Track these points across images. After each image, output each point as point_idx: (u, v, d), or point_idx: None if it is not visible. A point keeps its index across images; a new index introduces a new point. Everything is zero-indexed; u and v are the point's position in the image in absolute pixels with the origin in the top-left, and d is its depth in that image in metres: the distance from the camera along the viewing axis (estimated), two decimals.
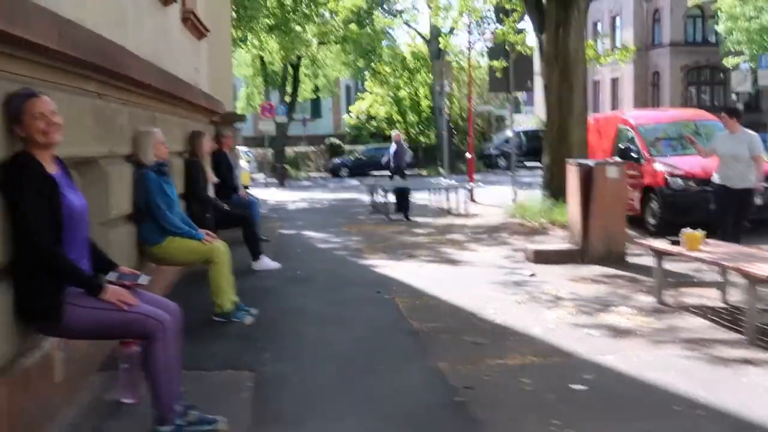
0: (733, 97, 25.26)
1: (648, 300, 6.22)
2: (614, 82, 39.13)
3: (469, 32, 21.08)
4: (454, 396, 4.04)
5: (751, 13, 23.73)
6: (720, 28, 27.48)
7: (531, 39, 13.94)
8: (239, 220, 8.22)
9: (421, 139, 40.27)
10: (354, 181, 31.10)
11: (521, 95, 47.75)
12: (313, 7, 28.14)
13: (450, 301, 6.40)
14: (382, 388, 4.20)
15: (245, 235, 8.12)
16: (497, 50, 14.36)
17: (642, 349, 4.85)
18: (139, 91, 5.84)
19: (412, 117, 41.01)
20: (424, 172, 34.81)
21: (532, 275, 7.51)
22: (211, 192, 8.15)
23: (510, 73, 14.03)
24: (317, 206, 17.89)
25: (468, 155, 18.56)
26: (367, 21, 35.16)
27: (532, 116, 41.09)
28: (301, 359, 4.76)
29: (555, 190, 11.11)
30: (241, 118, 14.18)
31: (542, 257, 8.19)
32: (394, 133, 19.82)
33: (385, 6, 34.18)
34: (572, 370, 4.45)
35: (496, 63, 13.55)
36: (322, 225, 12.80)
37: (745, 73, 22.25)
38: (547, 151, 11.56)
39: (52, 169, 3.34)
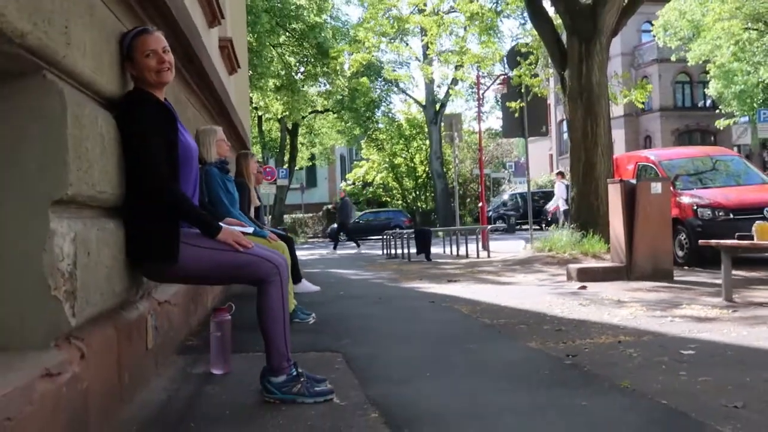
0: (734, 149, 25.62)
1: (716, 300, 6.08)
2: None
3: (479, 94, 21.24)
4: (561, 361, 3.87)
5: (747, 68, 24.21)
6: (711, 91, 28.00)
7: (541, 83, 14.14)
8: (281, 239, 8.07)
9: (418, 204, 40.42)
10: (353, 244, 30.99)
11: (510, 163, 48.43)
12: (319, 67, 28.55)
13: (510, 306, 6.23)
14: (481, 358, 4.01)
15: None
16: (511, 95, 14.50)
17: (735, 328, 4.70)
18: (199, 94, 5.80)
19: (408, 182, 41.25)
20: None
21: (583, 287, 7.37)
22: (252, 214, 8.02)
23: (525, 118, 14.14)
24: (330, 259, 17.72)
25: (479, 204, 18.50)
26: (373, 82, 35.59)
27: (524, 181, 41.47)
28: (381, 344, 4.58)
29: (583, 222, 11.06)
30: (261, 165, 14.17)
31: (587, 275, 8.06)
32: (339, 190, 19.88)
33: (382, 75, 34.68)
34: (672, 342, 4.29)
35: (513, 104, 13.64)
36: (345, 267, 12.66)
37: (745, 126, 22.64)
38: (574, 187, 11.54)
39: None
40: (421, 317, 5.69)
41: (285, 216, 37.82)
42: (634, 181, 8.45)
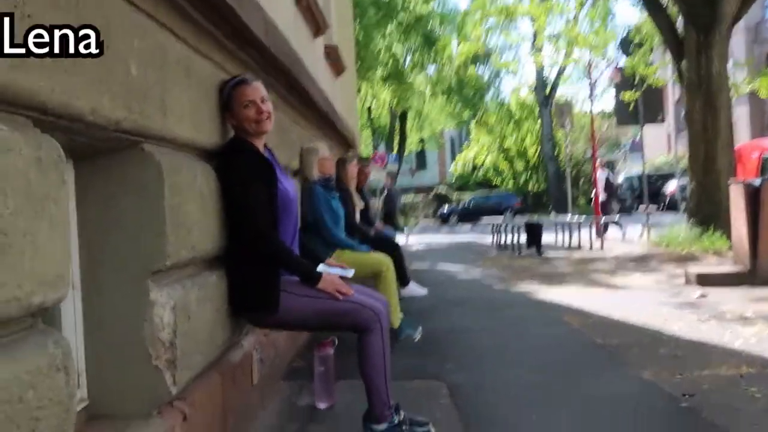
0: None
1: None
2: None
3: (590, 75, 20.57)
4: (677, 402, 3.67)
5: None
6: None
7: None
8: (387, 245, 8.07)
9: (530, 186, 39.77)
10: (465, 227, 30.82)
11: (626, 142, 46.67)
12: (426, 56, 28.47)
13: (624, 320, 5.99)
14: (590, 394, 3.86)
15: (393, 260, 7.95)
16: (624, 85, 13.95)
17: None
18: (304, 111, 5.83)
19: (518, 164, 40.62)
20: (534, 217, 34.29)
21: (703, 296, 7.01)
22: (357, 218, 8.05)
23: (640, 106, 13.57)
24: (440, 247, 17.66)
25: (594, 191, 17.97)
26: (480, 68, 35.21)
27: (640, 161, 39.89)
28: (489, 369, 4.49)
29: (703, 217, 10.55)
30: (367, 160, 14.22)
31: (707, 280, 7.66)
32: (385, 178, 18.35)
33: (490, 61, 34.21)
34: None
35: (627, 95, 13.11)
36: (454, 260, 12.56)
37: None
38: (693, 180, 11.00)
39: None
40: (529, 333, 5.55)
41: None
42: (758, 182, 7.94)
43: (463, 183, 43.93)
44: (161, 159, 2.43)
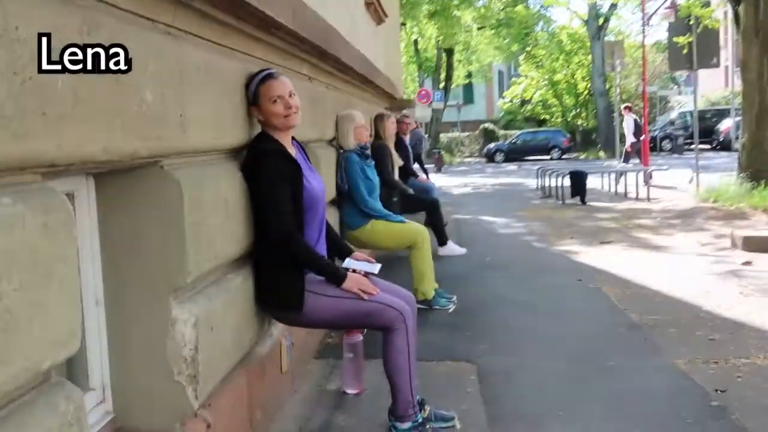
0: None
1: None
2: None
3: (643, 9, 19.86)
4: (707, 399, 3.61)
5: None
6: None
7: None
8: (425, 204, 8.05)
9: (578, 122, 38.98)
10: (511, 166, 30.52)
11: (680, 75, 45.18)
12: None
13: (663, 291, 5.90)
14: (621, 387, 3.82)
15: (431, 220, 7.94)
16: (678, 26, 13.43)
17: None
18: (340, 75, 5.75)
19: (568, 100, 39.78)
20: (582, 156, 33.71)
21: (748, 263, 6.85)
22: (396, 176, 8.01)
23: (693, 50, 13.08)
24: (483, 191, 17.56)
25: (642, 137, 17.56)
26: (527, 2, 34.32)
27: (698, 97, 38.60)
28: (520, 352, 4.46)
29: (755, 172, 10.23)
30: (410, 103, 14.07)
31: (754, 244, 7.47)
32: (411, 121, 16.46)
33: None
34: None
35: (681, 39, 12.62)
36: (496, 210, 12.46)
37: None
38: (746, 132, 10.64)
39: (291, 151, 3.22)
40: (567, 308, 5.47)
41: (441, 135, 37.73)
42: None
43: (511, 119, 43.28)
44: (181, 176, 2.40)
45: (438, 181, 20.64)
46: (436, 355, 4.40)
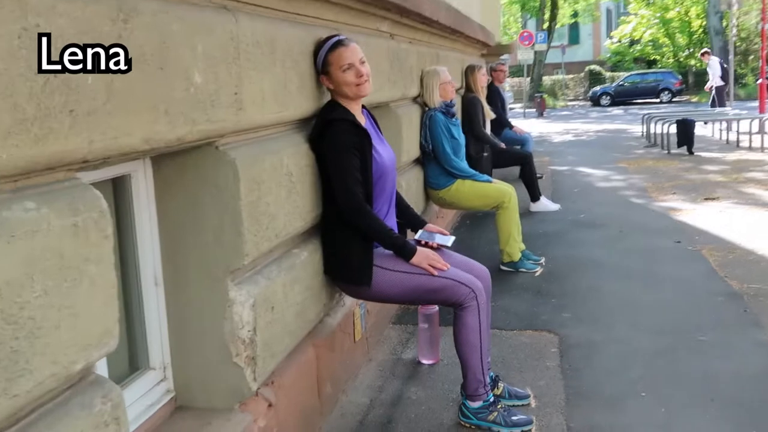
0: None
1: None
2: None
3: None
4: None
5: None
6: None
7: None
8: (517, 159, 7.81)
9: (691, 62, 37.05)
10: (617, 110, 29.41)
11: None
12: None
13: None
14: (712, 367, 3.58)
15: (523, 174, 7.72)
16: None
17: None
18: (425, 29, 5.56)
19: (681, 39, 37.81)
20: (694, 99, 32.11)
21: None
22: (488, 129, 7.78)
23: None
24: (584, 138, 16.97)
25: (759, 81, 16.52)
26: None
27: None
28: (606, 322, 4.27)
29: None
30: (507, 49, 13.61)
31: None
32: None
33: None
34: None
35: None
36: (595, 160, 12.00)
37: None
38: None
39: (361, 120, 3.11)
40: (661, 274, 5.18)
41: (544, 78, 36.68)
42: None
43: (619, 61, 41.56)
44: (237, 156, 2.34)
45: (538, 127, 20.22)
46: (517, 324, 4.27)
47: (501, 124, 9.80)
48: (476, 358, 3.06)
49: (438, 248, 3.23)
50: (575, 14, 40.18)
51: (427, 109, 5.37)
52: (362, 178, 2.97)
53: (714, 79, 16.62)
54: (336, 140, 2.93)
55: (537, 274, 5.31)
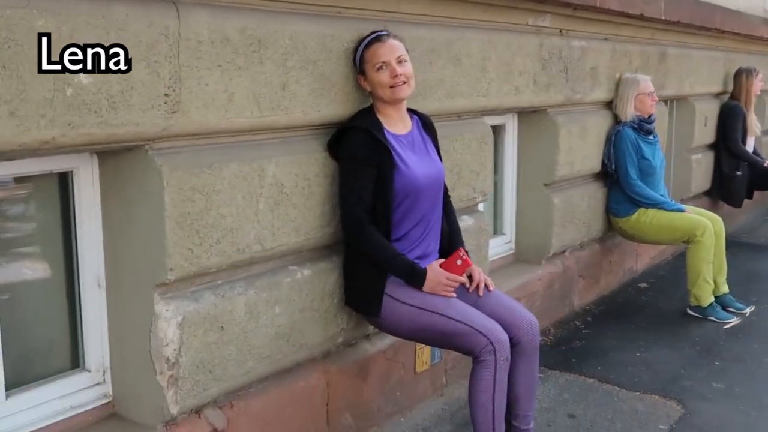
0: None
1: None
2: None
3: None
4: None
5: None
6: None
7: None
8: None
9: None
10: None
11: None
12: None
13: None
14: None
15: None
16: None
17: None
18: (630, 23, 4.82)
19: None
20: None
21: None
22: (750, 145, 6.58)
23: None
24: None
25: None
26: None
27: None
28: (764, 405, 3.36)
29: None
30: None
31: None
32: None
33: None
34: None
35: None
36: None
37: None
38: None
39: (399, 129, 2.74)
40: None
41: None
42: None
43: None
44: (165, 162, 2.17)
45: None
46: (646, 385, 3.55)
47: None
48: (485, 422, 2.56)
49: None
50: None
51: (617, 122, 4.67)
52: (378, 197, 2.62)
53: None
54: (345, 151, 2.63)
55: (729, 326, 4.37)
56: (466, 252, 2.73)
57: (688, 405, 3.34)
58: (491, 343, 2.51)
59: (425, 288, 2.60)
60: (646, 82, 4.65)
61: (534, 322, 2.72)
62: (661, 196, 4.60)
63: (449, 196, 3.00)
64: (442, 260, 2.70)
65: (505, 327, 2.60)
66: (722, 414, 3.26)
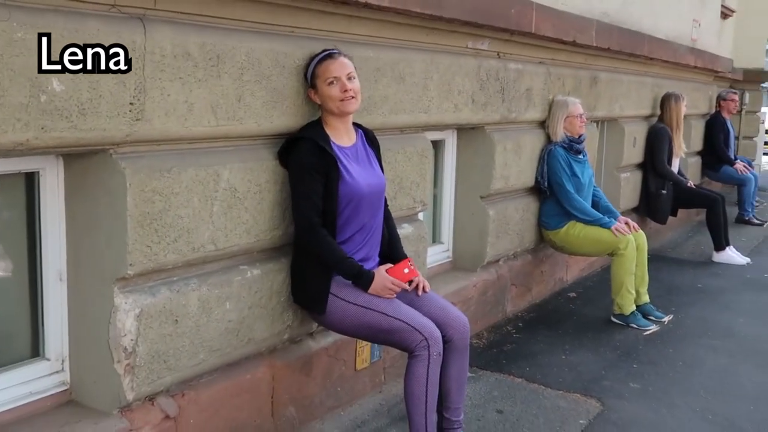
0: None
1: None
2: None
3: None
4: None
5: None
6: None
7: None
8: (704, 200, 6.94)
9: None
10: None
11: None
12: None
13: None
14: None
15: (709, 219, 6.87)
16: None
17: None
18: (566, 48, 5.13)
19: None
20: None
21: None
22: (675, 166, 7.01)
23: None
24: None
25: None
26: None
27: None
28: (674, 404, 3.64)
29: None
30: (759, 76, 12.12)
31: None
32: None
33: None
34: None
35: None
36: None
37: None
38: None
39: (345, 140, 2.96)
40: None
41: None
42: None
43: None
44: (128, 165, 2.35)
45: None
46: (569, 384, 3.83)
47: (720, 159, 8.81)
48: (419, 413, 2.79)
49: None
50: None
51: (549, 142, 4.97)
52: (325, 203, 2.84)
53: None
54: (295, 159, 2.84)
55: (649, 332, 4.69)
56: (413, 263, 2.98)
57: (607, 402, 3.62)
58: (426, 339, 2.75)
59: (371, 290, 2.83)
60: (576, 105, 4.96)
61: (465, 321, 2.96)
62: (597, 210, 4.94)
63: (388, 206, 3.22)
64: (390, 266, 2.93)
65: (439, 325, 2.84)
66: (636, 411, 3.55)
